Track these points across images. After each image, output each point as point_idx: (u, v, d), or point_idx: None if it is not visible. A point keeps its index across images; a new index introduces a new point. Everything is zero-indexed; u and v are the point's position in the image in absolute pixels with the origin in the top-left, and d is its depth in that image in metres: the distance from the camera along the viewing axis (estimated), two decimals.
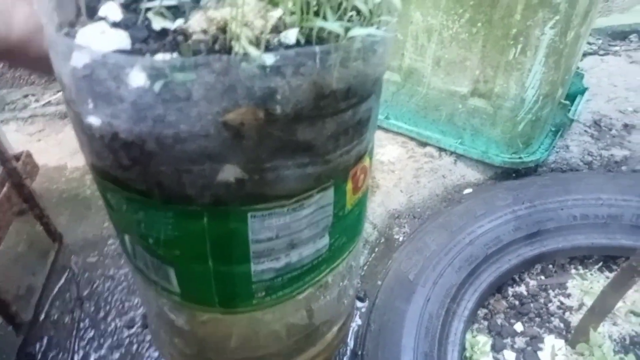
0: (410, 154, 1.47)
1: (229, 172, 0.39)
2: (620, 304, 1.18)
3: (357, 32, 0.37)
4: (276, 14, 0.40)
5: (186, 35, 0.38)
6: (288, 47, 0.37)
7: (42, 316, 1.15)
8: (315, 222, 0.46)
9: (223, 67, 0.34)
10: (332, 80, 0.37)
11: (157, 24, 0.38)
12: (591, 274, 1.26)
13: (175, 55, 0.35)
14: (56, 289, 1.19)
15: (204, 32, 0.38)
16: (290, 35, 0.38)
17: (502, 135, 1.38)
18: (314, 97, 0.37)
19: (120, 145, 0.36)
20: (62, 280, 1.20)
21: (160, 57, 0.34)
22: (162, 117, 0.34)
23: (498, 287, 1.22)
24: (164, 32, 0.38)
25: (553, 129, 1.51)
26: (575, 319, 1.14)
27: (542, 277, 1.26)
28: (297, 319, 0.55)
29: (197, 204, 0.39)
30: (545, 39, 1.19)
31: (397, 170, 1.42)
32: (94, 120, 0.36)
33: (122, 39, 0.36)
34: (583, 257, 1.29)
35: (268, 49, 0.37)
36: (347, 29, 0.37)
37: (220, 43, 0.37)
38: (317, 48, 0.34)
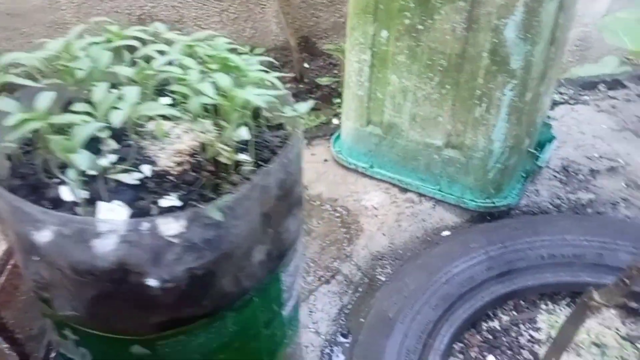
0: (393, 199, 1.61)
1: None
2: (584, 336, 1.29)
3: None
4: None
5: None
6: None
7: (52, 354, 1.25)
8: None
9: None
10: None
11: None
12: (559, 309, 1.36)
13: None
14: None
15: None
16: None
17: (475, 182, 1.52)
18: None
19: None
20: None
21: None
22: None
23: (473, 323, 1.33)
24: None
25: (524, 175, 1.65)
26: (543, 351, 1.24)
27: (514, 313, 1.37)
28: None
29: None
30: (505, 99, 1.35)
31: (380, 215, 1.55)
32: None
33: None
34: (552, 294, 1.40)
35: None
36: None
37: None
38: None
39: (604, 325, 1.31)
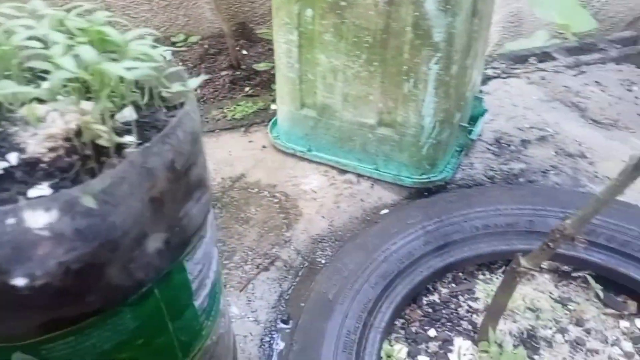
0: (332, 181, 1.59)
1: None
2: (520, 302, 1.32)
3: None
4: None
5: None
6: None
7: None
8: None
9: None
10: None
11: None
12: (496, 278, 1.39)
13: None
14: None
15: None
16: None
17: (410, 159, 1.52)
18: None
19: None
20: None
21: None
22: None
23: (413, 298, 1.33)
24: None
25: (458, 149, 1.67)
26: (481, 320, 1.26)
27: (453, 285, 1.38)
28: None
29: None
30: (432, 73, 1.35)
31: (319, 198, 1.53)
32: None
33: None
34: (488, 263, 1.43)
35: None
36: None
37: None
38: None
39: (538, 290, 1.35)
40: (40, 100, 0.59)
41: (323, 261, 1.37)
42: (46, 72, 0.58)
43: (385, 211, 1.52)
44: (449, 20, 1.28)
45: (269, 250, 1.38)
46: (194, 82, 0.62)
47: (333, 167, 1.64)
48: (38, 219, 0.47)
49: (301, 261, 1.36)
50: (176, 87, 0.61)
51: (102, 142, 0.56)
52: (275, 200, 1.53)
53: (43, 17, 0.61)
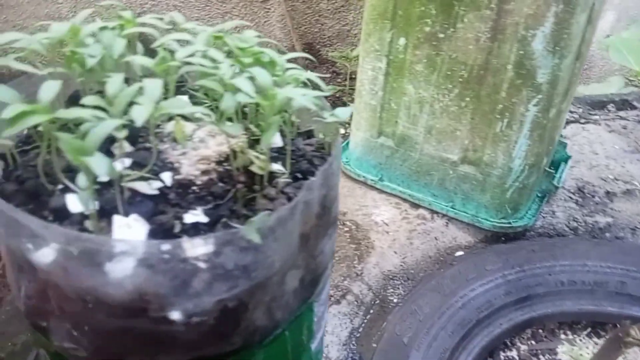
0: (404, 215, 1.53)
1: None
2: None
3: None
4: None
5: None
6: None
7: None
8: None
9: None
10: None
11: None
12: (580, 340, 1.29)
13: None
14: None
15: None
16: None
17: (491, 200, 1.45)
18: None
19: None
20: None
21: None
22: None
23: (490, 351, 1.24)
24: None
25: (539, 195, 1.58)
26: None
27: (533, 342, 1.29)
28: None
29: None
30: (529, 115, 1.29)
31: (392, 231, 1.47)
32: None
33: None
34: (572, 323, 1.33)
35: None
36: None
37: None
38: None
39: None
40: (183, 117, 0.56)
41: (395, 300, 1.30)
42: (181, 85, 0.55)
43: (461, 253, 1.44)
44: (556, 62, 1.22)
45: (340, 282, 1.32)
46: (345, 112, 0.58)
47: (405, 200, 1.58)
48: (199, 250, 0.43)
49: (372, 297, 1.30)
50: (328, 116, 0.57)
51: (254, 168, 0.53)
52: (346, 229, 1.48)
53: (195, 32, 0.59)
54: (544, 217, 1.55)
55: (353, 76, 1.98)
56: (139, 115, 0.40)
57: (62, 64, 0.54)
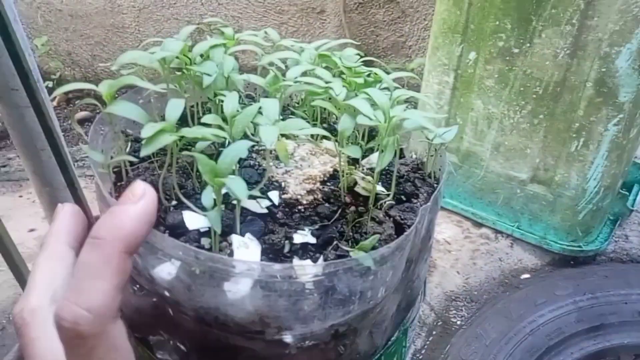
0: (466, 234, 1.49)
1: None
2: None
3: None
4: None
5: None
6: None
7: None
8: None
9: None
10: None
11: None
12: None
13: None
14: None
15: None
16: None
17: (562, 222, 1.39)
18: None
19: None
20: None
21: None
22: None
23: None
24: None
25: (611, 218, 1.51)
26: None
27: None
28: None
29: None
30: (608, 134, 1.23)
31: (454, 250, 1.43)
32: None
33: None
34: None
35: None
36: None
37: None
38: None
39: None
40: (284, 135, 0.56)
41: (458, 322, 1.26)
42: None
43: (527, 276, 1.38)
44: None
45: None
46: (451, 133, 0.56)
47: (467, 218, 1.54)
48: (313, 273, 0.43)
49: (434, 318, 1.26)
50: (433, 137, 0.55)
51: (359, 189, 0.52)
52: None
53: (301, 50, 0.59)
54: (616, 241, 1.47)
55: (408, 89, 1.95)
56: (268, 137, 0.40)
57: (172, 81, 0.55)
